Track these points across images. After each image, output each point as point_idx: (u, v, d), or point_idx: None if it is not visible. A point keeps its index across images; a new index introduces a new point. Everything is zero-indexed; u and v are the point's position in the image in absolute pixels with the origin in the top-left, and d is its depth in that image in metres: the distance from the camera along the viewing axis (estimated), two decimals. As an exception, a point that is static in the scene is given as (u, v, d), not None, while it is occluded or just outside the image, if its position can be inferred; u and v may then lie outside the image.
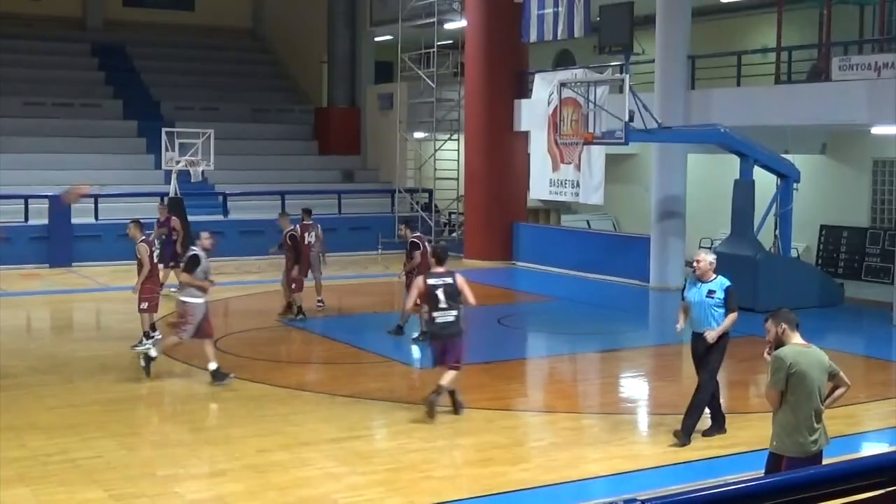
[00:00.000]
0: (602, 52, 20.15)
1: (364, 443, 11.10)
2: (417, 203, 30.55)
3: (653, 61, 22.27)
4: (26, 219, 25.58)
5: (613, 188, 24.82)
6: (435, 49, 28.99)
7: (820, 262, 24.16)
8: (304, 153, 33.30)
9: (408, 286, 15.57)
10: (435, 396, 11.68)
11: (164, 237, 20.56)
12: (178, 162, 24.98)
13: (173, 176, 25.02)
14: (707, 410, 11.21)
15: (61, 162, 28.22)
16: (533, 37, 24.13)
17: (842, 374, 7.70)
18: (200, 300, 13.51)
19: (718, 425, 11.23)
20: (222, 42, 37.38)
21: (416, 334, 16.05)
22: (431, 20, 28.85)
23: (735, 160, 20.40)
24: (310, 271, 18.86)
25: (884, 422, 12.38)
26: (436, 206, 30.75)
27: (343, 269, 24.10)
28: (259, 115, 33.82)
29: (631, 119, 18.60)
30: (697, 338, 11.03)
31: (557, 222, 29.31)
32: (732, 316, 10.97)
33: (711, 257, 11.35)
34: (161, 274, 20.38)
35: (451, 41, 29.94)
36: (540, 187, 24.22)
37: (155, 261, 15.72)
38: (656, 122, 19.50)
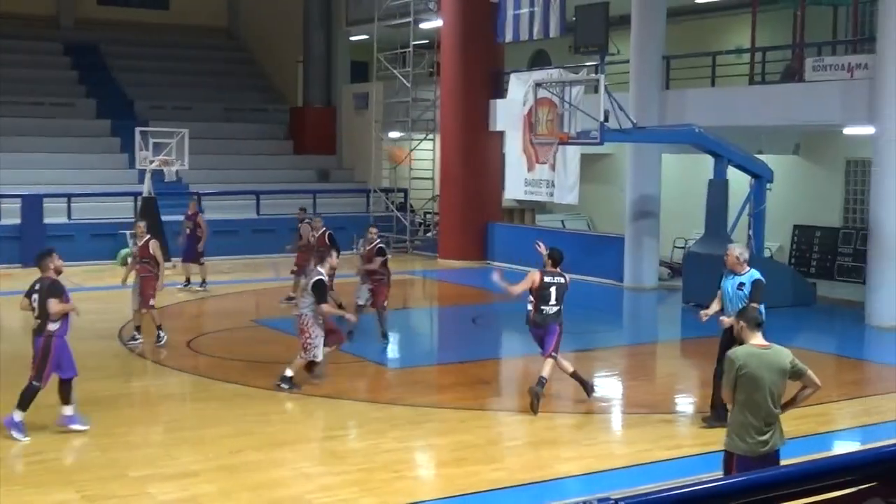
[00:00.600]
0: (577, 53, 20.18)
1: (338, 443, 11.08)
2: (393, 203, 30.52)
3: (628, 62, 22.34)
4: (-2, 218, 25.41)
5: (588, 188, 24.86)
6: (410, 49, 28.97)
7: (793, 261, 24.29)
8: (279, 153, 33.20)
9: (374, 290, 15.83)
10: (540, 388, 12.08)
11: (188, 231, 20.78)
12: (152, 161, 24.89)
13: (147, 175, 24.93)
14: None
15: (34, 161, 28.02)
16: (508, 37, 24.15)
17: (810, 373, 7.66)
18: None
19: (718, 415, 11.07)
20: (197, 41, 37.21)
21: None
22: (407, 20, 28.83)
23: (709, 160, 20.48)
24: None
25: (855, 420, 12.47)
26: (411, 205, 30.72)
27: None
28: (234, 114, 33.69)
29: (606, 119, 18.63)
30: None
31: (532, 222, 29.34)
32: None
33: (738, 251, 11.37)
34: (181, 268, 20.62)
35: (426, 41, 29.92)
36: (515, 187, 24.24)
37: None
38: (631, 122, 19.55)
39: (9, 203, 25.24)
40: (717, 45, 25.30)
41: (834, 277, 23.45)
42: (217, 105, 33.54)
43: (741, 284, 11.15)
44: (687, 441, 11.24)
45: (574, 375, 12.66)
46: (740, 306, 10.69)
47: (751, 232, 20.44)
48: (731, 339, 10.79)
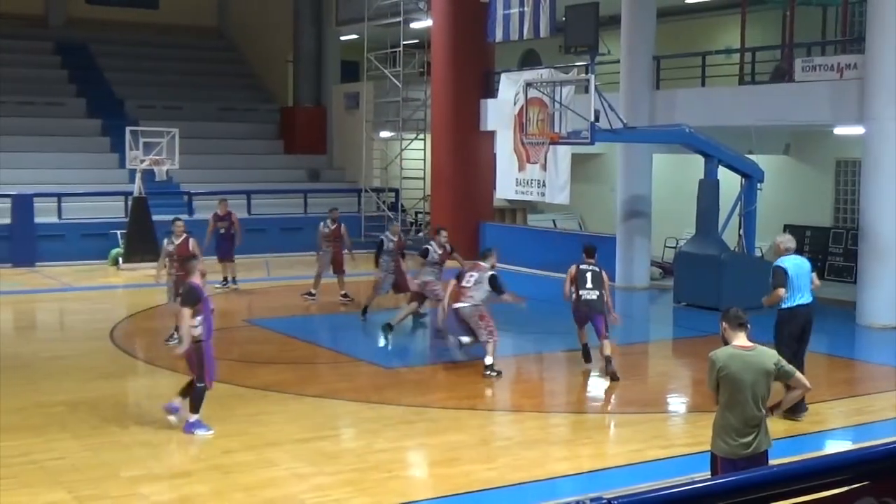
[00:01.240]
0: (568, 53, 20.19)
1: (331, 443, 11.08)
2: (384, 203, 30.52)
3: (618, 62, 22.37)
4: (-12, 218, 25.34)
5: (579, 188, 24.89)
6: (401, 48, 28.97)
7: (783, 261, 24.32)
8: (269, 152, 33.17)
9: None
10: (611, 366, 13.85)
11: (222, 231, 20.85)
12: (142, 161, 24.86)
13: (138, 175, 24.91)
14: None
15: (24, 161, 27.94)
16: (499, 36, 24.16)
17: (798, 375, 7.64)
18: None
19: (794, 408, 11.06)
20: (187, 40, 37.13)
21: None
22: (397, 19, 28.83)
23: (700, 160, 20.53)
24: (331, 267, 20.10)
25: (846, 420, 12.51)
26: (402, 205, 30.72)
27: (309, 268, 23.99)
28: (224, 114, 33.62)
29: (596, 119, 18.65)
30: None
31: (524, 222, 29.36)
32: (775, 292, 11.84)
33: (779, 239, 12.35)
34: (221, 269, 20.70)
35: (417, 40, 29.93)
36: (506, 187, 24.25)
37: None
38: (622, 122, 19.58)
39: (-1, 203, 25.20)
40: (707, 45, 25.35)
41: (824, 277, 23.47)
42: (207, 105, 33.47)
43: None
44: (679, 440, 11.27)
45: (608, 359, 14.03)
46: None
47: (741, 232, 20.50)
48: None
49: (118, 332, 17.12)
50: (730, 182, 20.62)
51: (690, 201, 20.84)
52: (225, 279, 21.54)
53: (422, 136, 29.88)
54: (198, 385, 11.15)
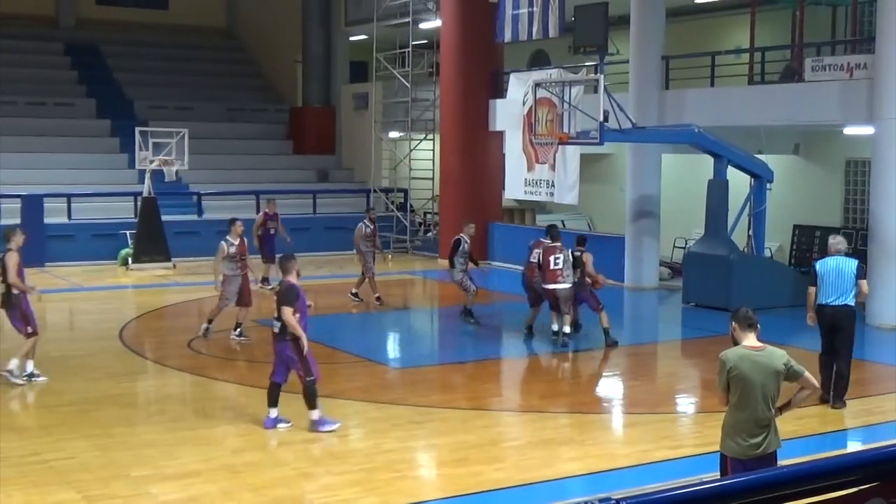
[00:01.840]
0: (577, 53, 20.17)
1: (339, 442, 11.08)
2: (392, 203, 30.52)
3: (627, 62, 22.33)
4: (-2, 218, 25.39)
5: (588, 188, 24.87)
6: (410, 49, 28.97)
7: (793, 261, 24.28)
8: (278, 153, 33.21)
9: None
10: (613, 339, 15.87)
11: (272, 231, 20.83)
12: (151, 161, 24.89)
13: (147, 176, 24.93)
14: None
15: (34, 161, 28.03)
16: (508, 37, 24.13)
17: (807, 375, 7.61)
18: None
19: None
20: (196, 41, 37.22)
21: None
22: (406, 20, 28.83)
23: (709, 160, 20.49)
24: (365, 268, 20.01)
25: (856, 420, 12.47)
26: (411, 205, 30.72)
27: (318, 268, 24.04)
28: (233, 114, 33.69)
29: (605, 119, 18.63)
30: None
31: (532, 222, 29.33)
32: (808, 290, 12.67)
33: (830, 239, 12.97)
34: (265, 269, 20.74)
35: (425, 41, 29.91)
36: (515, 187, 24.22)
37: None
38: (631, 122, 19.55)
39: (9, 203, 25.22)
40: (716, 45, 25.30)
41: (834, 277, 23.41)
42: (217, 105, 33.53)
43: None
44: (688, 441, 11.25)
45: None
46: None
47: (751, 232, 20.46)
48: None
49: (127, 332, 17.16)
50: (739, 182, 20.58)
51: (699, 201, 20.80)
52: (265, 278, 21.00)
53: (430, 136, 29.87)
54: (307, 380, 11.20)
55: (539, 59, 31.40)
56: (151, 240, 24.68)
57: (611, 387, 14.68)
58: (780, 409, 7.64)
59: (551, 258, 15.72)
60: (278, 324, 11.20)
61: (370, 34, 30.53)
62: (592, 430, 11.89)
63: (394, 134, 30.97)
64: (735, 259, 19.61)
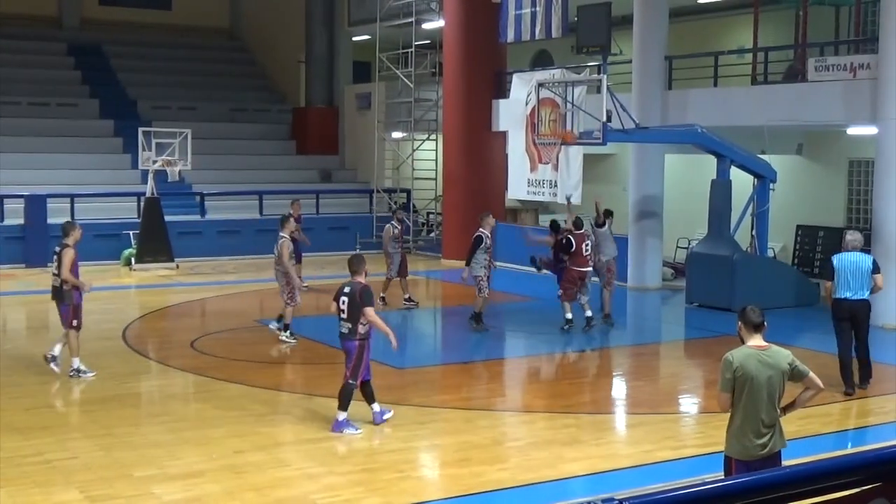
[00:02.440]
0: (580, 53, 20.16)
1: (341, 443, 11.08)
2: (395, 203, 30.51)
3: (630, 62, 22.33)
4: (2, 219, 25.42)
5: (591, 188, 24.84)
6: (413, 49, 28.98)
7: (796, 261, 24.25)
8: (281, 153, 33.21)
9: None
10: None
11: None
12: (155, 162, 24.91)
13: (150, 176, 24.96)
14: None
15: (37, 162, 28.05)
16: (510, 37, 24.12)
17: (811, 375, 7.60)
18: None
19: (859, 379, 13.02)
20: (199, 41, 37.24)
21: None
22: (409, 20, 28.83)
23: (712, 160, 20.49)
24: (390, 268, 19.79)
25: (859, 421, 12.47)
26: (414, 206, 30.72)
27: (321, 269, 24.05)
28: (236, 114, 33.71)
29: (608, 119, 18.62)
30: None
31: (536, 222, 29.31)
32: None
33: (847, 235, 13.35)
34: (295, 269, 20.79)
35: (429, 41, 29.92)
36: (518, 187, 24.22)
37: None
38: (634, 122, 19.55)
39: (12, 203, 25.27)
40: (719, 45, 25.30)
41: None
42: (220, 105, 33.55)
43: None
44: (691, 441, 11.25)
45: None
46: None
47: (754, 232, 20.45)
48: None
49: (130, 332, 17.18)
50: (742, 182, 20.57)
51: (703, 202, 20.79)
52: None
53: (434, 136, 29.88)
54: (349, 382, 11.24)
55: (542, 60, 31.41)
56: (154, 240, 24.71)
57: (614, 387, 14.67)
58: (785, 409, 7.63)
59: (583, 245, 17.05)
60: (348, 325, 11.20)
61: (373, 34, 30.53)
62: (595, 430, 11.88)
63: (397, 134, 30.97)
64: (738, 259, 19.60)
